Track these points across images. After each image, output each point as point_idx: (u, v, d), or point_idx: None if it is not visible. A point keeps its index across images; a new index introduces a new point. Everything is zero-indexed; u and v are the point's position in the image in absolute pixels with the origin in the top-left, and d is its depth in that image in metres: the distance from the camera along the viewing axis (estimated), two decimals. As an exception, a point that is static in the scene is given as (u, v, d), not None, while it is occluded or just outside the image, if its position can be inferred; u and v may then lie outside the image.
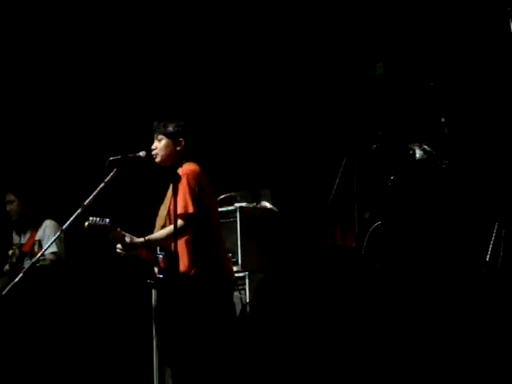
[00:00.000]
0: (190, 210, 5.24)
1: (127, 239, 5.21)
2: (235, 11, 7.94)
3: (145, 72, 8.24)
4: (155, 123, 5.47)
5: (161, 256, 5.24)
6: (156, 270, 5.31)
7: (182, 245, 5.23)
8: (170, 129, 5.41)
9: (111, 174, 5.30)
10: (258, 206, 7.01)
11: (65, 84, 8.19)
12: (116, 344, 7.65)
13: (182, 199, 5.17)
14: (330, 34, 7.58)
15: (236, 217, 6.80)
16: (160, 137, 5.43)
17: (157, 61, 8.25)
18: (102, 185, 5.29)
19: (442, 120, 6.37)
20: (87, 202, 5.28)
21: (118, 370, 7.37)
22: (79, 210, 5.26)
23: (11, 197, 7.39)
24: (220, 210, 5.79)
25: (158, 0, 8.20)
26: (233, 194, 7.10)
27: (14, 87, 8.07)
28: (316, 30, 7.65)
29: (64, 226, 5.40)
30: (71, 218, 5.31)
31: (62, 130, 8.18)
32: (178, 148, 5.40)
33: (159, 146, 5.43)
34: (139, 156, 5.41)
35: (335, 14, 7.54)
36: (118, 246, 5.25)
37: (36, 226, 7.36)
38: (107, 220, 5.15)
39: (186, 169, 5.31)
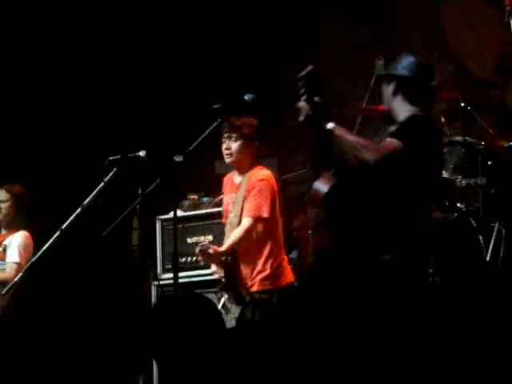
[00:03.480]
0: (265, 214, 5.23)
1: (211, 251, 5.22)
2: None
3: (144, 72, 8.23)
4: (230, 123, 5.33)
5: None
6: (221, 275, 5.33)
7: (254, 247, 5.26)
8: (247, 130, 5.32)
9: (111, 173, 5.29)
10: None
11: (64, 83, 8.17)
12: (115, 344, 7.65)
13: (256, 202, 5.20)
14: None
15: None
16: (235, 137, 5.33)
17: (157, 60, 8.25)
18: (102, 185, 5.28)
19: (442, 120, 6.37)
20: (87, 201, 5.27)
21: (117, 370, 7.38)
22: (78, 210, 5.26)
23: (5, 195, 6.42)
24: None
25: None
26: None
27: (14, 86, 8.05)
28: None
29: (63, 226, 5.38)
30: (71, 218, 5.30)
31: (61, 130, 8.16)
32: (253, 150, 5.35)
33: (234, 146, 5.34)
34: (139, 156, 5.38)
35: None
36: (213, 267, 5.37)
37: (10, 228, 6.45)
38: None
39: (265, 175, 5.32)
